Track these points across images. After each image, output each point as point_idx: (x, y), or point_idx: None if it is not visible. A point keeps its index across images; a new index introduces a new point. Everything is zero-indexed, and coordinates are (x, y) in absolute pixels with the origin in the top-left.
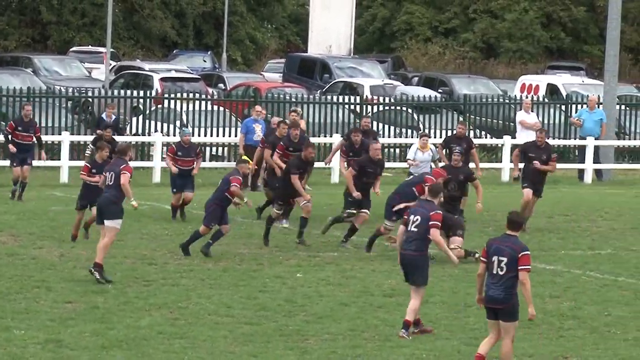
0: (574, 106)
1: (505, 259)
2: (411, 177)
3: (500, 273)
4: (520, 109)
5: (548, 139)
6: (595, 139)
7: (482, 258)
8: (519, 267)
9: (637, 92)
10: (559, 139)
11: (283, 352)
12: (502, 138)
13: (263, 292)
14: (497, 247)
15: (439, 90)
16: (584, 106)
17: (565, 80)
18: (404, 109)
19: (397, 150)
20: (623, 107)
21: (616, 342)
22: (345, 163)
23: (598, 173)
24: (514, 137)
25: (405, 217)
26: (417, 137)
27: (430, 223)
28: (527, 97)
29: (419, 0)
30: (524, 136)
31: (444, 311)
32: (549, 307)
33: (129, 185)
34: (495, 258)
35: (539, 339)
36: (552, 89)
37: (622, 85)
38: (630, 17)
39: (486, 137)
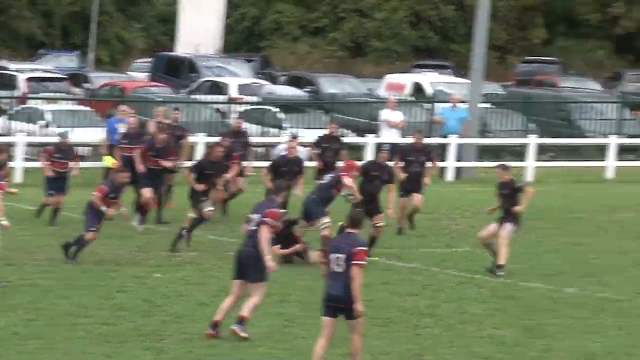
0: (438, 104)
1: (342, 256)
2: (325, 178)
3: (339, 271)
4: (386, 108)
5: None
6: (456, 137)
7: (323, 258)
8: (352, 262)
9: (502, 91)
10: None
11: (140, 352)
12: (366, 136)
13: (121, 292)
14: (336, 245)
15: (306, 89)
16: (448, 104)
17: (430, 79)
18: (271, 108)
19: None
20: (488, 105)
21: (471, 339)
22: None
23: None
24: (378, 135)
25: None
26: (287, 137)
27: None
28: (392, 96)
29: None
30: (388, 134)
31: (300, 310)
32: (407, 305)
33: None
34: (333, 256)
35: (396, 337)
36: (418, 88)
37: (488, 84)
38: (499, 16)
39: (351, 135)
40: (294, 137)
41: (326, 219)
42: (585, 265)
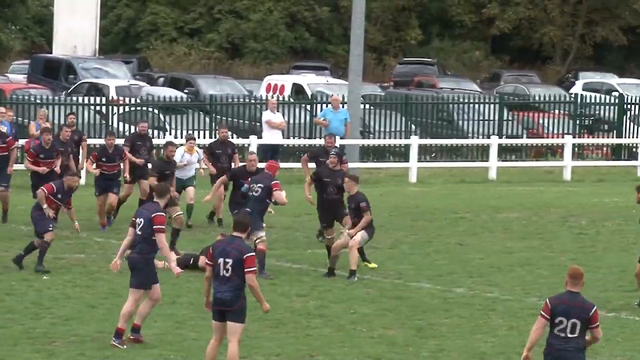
0: (319, 106)
1: (230, 261)
2: (256, 190)
3: (227, 275)
4: (267, 109)
5: (294, 138)
6: (340, 139)
7: (207, 261)
8: (245, 270)
9: (381, 92)
10: (305, 138)
11: (30, 355)
12: (248, 138)
13: (10, 295)
14: (222, 249)
15: (185, 91)
16: (329, 106)
17: (310, 80)
18: (150, 109)
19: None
20: (367, 106)
21: (362, 339)
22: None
23: None
24: (260, 137)
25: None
26: (184, 140)
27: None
28: (272, 97)
29: (164, 0)
30: (270, 136)
31: (191, 312)
32: (296, 306)
33: None
34: (221, 260)
35: (286, 338)
36: (298, 89)
37: (366, 85)
38: (373, 17)
39: (233, 137)
40: (192, 138)
41: (262, 233)
42: (472, 265)
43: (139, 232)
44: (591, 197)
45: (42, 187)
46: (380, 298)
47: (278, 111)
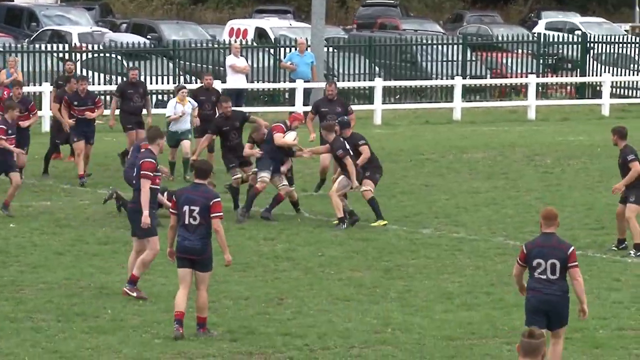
0: (282, 49)
1: (197, 208)
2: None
3: (194, 223)
4: (230, 54)
5: (258, 82)
6: (305, 82)
7: (171, 210)
8: (212, 215)
9: (344, 34)
10: (269, 82)
11: None
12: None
13: None
14: (187, 197)
15: (148, 37)
16: (293, 49)
17: (273, 24)
18: (113, 55)
19: (108, 97)
20: (331, 49)
21: (330, 282)
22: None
23: None
24: (224, 81)
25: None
26: (174, 90)
27: None
28: (235, 41)
29: None
30: (234, 80)
31: (159, 257)
32: (264, 250)
33: None
34: (186, 208)
35: (255, 282)
36: (261, 33)
37: (329, 28)
38: None
39: (197, 83)
40: (182, 87)
41: (263, 174)
42: (438, 206)
43: (134, 182)
44: (556, 136)
45: None
46: (347, 240)
47: (242, 55)
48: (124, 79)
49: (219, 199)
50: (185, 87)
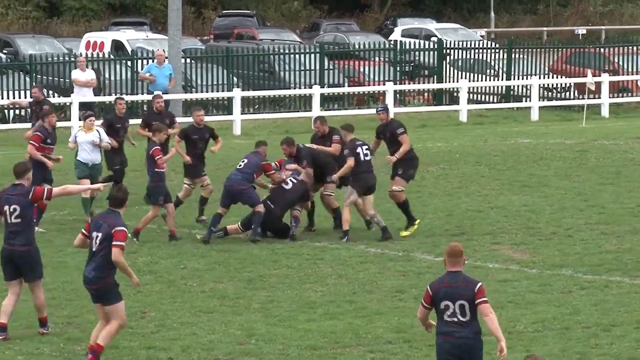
0: (139, 61)
1: (100, 235)
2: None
3: (94, 250)
4: (75, 68)
5: (104, 95)
6: (164, 93)
7: (83, 231)
8: (113, 243)
9: (201, 45)
10: (128, 94)
11: None
12: (69, 96)
13: None
14: (96, 223)
15: (4, 51)
16: (152, 61)
17: (129, 36)
18: None
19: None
20: (189, 60)
21: (193, 294)
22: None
23: None
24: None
25: None
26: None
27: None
28: (80, 55)
29: None
30: (79, 93)
31: None
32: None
33: None
34: (94, 234)
35: None
36: (118, 45)
37: (186, 39)
38: None
39: (54, 97)
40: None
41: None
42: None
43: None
44: (414, 142)
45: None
46: (209, 252)
47: (93, 68)
48: None
49: (123, 228)
50: (94, 115)
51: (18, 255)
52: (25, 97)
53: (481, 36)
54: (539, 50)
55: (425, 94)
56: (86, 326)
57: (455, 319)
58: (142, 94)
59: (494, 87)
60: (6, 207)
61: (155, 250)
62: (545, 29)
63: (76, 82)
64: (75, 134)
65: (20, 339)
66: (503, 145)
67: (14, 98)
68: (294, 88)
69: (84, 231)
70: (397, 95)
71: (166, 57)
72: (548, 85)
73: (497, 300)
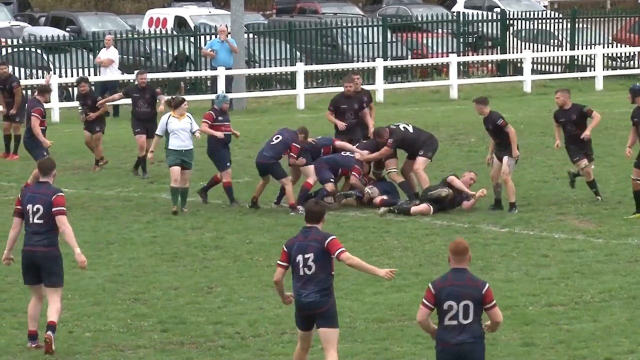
0: (202, 37)
1: (40, 207)
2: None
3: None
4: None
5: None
6: (227, 69)
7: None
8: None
9: (264, 20)
10: (190, 70)
11: None
12: (132, 74)
13: None
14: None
15: (67, 29)
16: (214, 37)
17: (192, 12)
18: (33, 49)
19: (29, 92)
20: (251, 35)
21: (259, 268)
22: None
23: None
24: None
25: None
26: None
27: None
28: (108, 35)
29: None
30: (103, 73)
31: (87, 250)
32: (192, 239)
33: None
34: (30, 207)
35: (184, 271)
36: (180, 21)
37: (248, 14)
38: None
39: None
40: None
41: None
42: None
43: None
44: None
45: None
46: (275, 227)
47: (113, 47)
48: (44, 72)
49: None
50: (184, 99)
51: (40, 257)
52: (90, 74)
53: (544, 6)
54: (602, 19)
55: (489, 65)
56: (153, 302)
57: (456, 322)
58: (206, 69)
59: (557, 57)
60: (29, 206)
61: (221, 226)
62: None
63: (98, 61)
64: (165, 122)
65: (88, 316)
66: None
67: (77, 75)
68: (357, 61)
69: (281, 262)
70: (461, 67)
71: (229, 33)
72: (612, 54)
73: (563, 271)
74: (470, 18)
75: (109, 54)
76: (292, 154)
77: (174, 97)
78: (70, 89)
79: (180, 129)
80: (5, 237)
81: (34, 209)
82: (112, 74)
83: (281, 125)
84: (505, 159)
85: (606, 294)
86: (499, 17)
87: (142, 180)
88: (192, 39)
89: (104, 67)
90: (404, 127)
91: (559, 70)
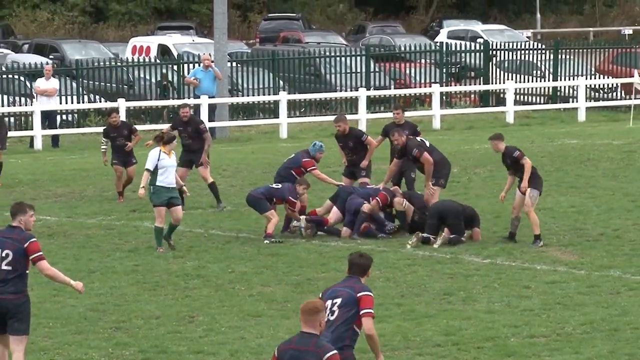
0: (185, 65)
1: (9, 252)
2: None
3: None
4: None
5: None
6: (210, 97)
7: None
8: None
9: (247, 49)
10: (173, 99)
11: None
12: (116, 101)
13: None
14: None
15: (50, 57)
16: (197, 65)
17: (175, 41)
18: (16, 76)
19: (13, 119)
20: (234, 64)
21: (241, 298)
22: None
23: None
24: (127, 99)
25: None
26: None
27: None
28: (47, 64)
29: None
30: (40, 102)
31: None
32: (174, 268)
33: None
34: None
35: (165, 300)
36: (164, 50)
37: (232, 43)
38: None
39: (101, 102)
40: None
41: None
42: None
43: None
44: (461, 144)
45: None
46: (257, 256)
47: (53, 77)
48: (27, 100)
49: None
50: (175, 138)
51: (8, 305)
52: (72, 102)
53: (527, 37)
54: (585, 50)
55: (472, 96)
56: (134, 331)
57: None
58: (189, 97)
59: (540, 88)
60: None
61: (203, 255)
62: (591, 29)
63: (36, 90)
64: (156, 157)
65: (69, 344)
66: (550, 147)
67: (59, 103)
68: (340, 91)
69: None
70: (444, 97)
71: (212, 61)
72: (595, 85)
73: (545, 302)
74: (453, 48)
75: (51, 83)
76: (290, 208)
77: (164, 132)
78: (76, 115)
79: (170, 166)
80: None
81: (3, 254)
82: (55, 103)
83: (265, 153)
84: (528, 191)
85: (588, 326)
86: (481, 48)
87: (124, 209)
88: (175, 67)
89: (47, 97)
90: None
91: (542, 101)
